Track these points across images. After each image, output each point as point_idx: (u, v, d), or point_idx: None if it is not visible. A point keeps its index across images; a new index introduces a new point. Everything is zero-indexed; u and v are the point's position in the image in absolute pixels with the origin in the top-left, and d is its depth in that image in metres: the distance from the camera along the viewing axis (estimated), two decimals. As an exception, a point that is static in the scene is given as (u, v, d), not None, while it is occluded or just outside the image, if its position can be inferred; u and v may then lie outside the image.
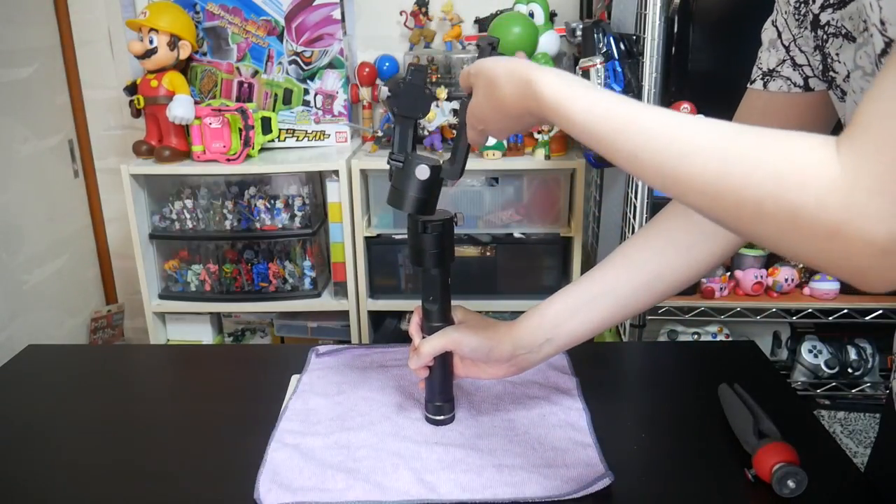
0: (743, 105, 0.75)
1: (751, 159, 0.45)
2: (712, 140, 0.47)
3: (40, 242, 2.02)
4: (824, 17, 0.62)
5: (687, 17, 1.63)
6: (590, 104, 0.54)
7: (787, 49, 0.68)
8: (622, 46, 1.49)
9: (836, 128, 0.71)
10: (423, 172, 0.72)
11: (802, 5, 0.64)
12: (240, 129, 1.81)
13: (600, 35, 1.49)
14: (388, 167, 0.76)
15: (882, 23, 0.48)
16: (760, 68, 0.71)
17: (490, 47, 0.71)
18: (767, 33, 0.71)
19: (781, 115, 0.71)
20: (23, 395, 0.92)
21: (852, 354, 1.70)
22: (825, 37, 0.62)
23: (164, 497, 0.71)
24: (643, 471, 0.73)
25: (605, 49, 1.48)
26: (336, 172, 1.80)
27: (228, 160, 1.81)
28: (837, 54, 0.61)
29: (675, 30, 1.63)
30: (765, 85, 0.71)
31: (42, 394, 0.92)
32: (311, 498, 0.69)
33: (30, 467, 0.76)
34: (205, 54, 1.92)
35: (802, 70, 0.68)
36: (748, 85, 0.73)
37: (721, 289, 1.60)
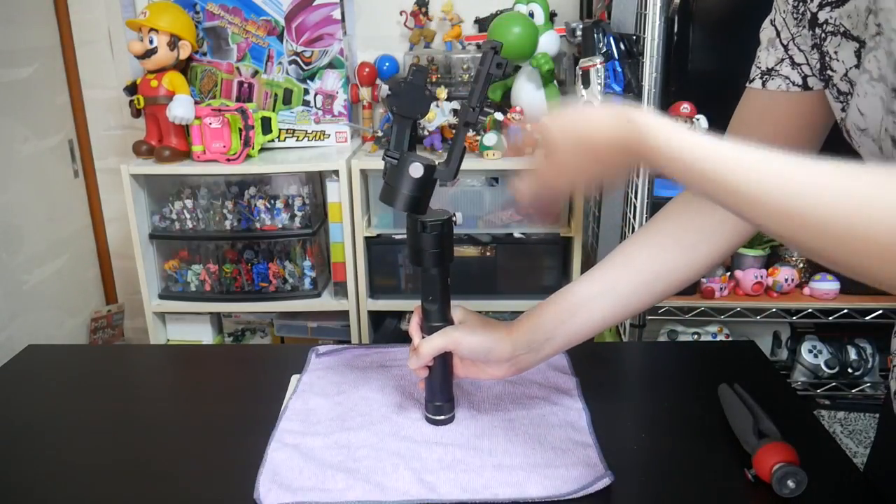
0: (742, 105, 0.75)
1: (879, 201, 0.43)
2: (836, 181, 0.46)
3: (40, 242, 2.02)
4: (822, 16, 0.62)
5: (687, 17, 1.63)
6: (698, 143, 0.52)
7: (786, 48, 0.68)
8: (622, 46, 1.49)
9: (836, 129, 0.71)
10: (416, 170, 0.73)
11: (801, 4, 0.64)
12: (240, 129, 1.81)
13: (600, 35, 1.49)
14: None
15: None
16: (759, 67, 0.71)
17: (493, 51, 0.71)
18: (766, 32, 0.71)
19: (780, 115, 0.71)
20: (23, 395, 0.92)
21: (852, 354, 1.70)
22: (823, 35, 0.62)
23: (164, 497, 0.71)
24: (643, 471, 0.73)
25: (605, 49, 1.48)
26: (336, 172, 1.80)
27: (228, 160, 1.81)
28: (836, 52, 0.61)
29: (675, 30, 1.63)
30: (763, 84, 0.71)
31: (42, 394, 0.92)
32: (311, 498, 0.69)
33: (30, 467, 0.76)
34: (205, 54, 1.92)
35: (801, 69, 0.68)
36: (747, 84, 0.73)
37: (721, 289, 1.60)
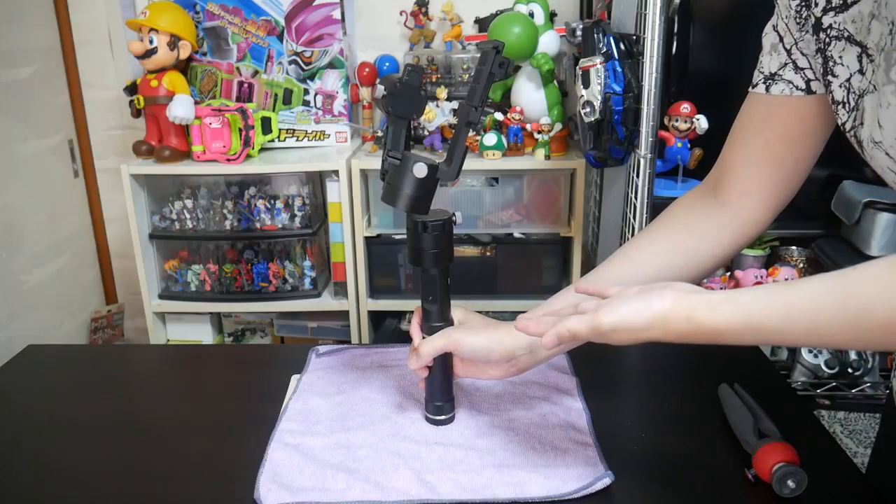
0: (744, 110, 0.74)
1: None
2: (884, 278, 0.49)
3: (40, 242, 2.02)
4: (826, 20, 0.62)
5: (687, 17, 1.62)
6: (738, 313, 0.56)
7: (789, 52, 0.68)
8: (622, 46, 1.49)
9: (835, 133, 0.71)
10: (420, 170, 0.73)
11: (804, 9, 0.64)
12: (240, 129, 1.81)
13: (600, 35, 1.49)
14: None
15: None
16: (762, 72, 0.71)
17: (494, 51, 0.71)
18: (769, 37, 0.71)
19: (784, 120, 0.71)
20: (23, 395, 0.92)
21: (852, 354, 1.70)
22: (827, 39, 0.62)
23: (165, 497, 0.71)
24: (643, 471, 0.73)
25: (605, 49, 1.48)
26: (336, 172, 1.80)
27: (228, 160, 1.81)
28: (840, 57, 0.61)
29: (675, 30, 1.63)
30: (767, 88, 0.71)
31: (42, 394, 0.92)
32: (311, 498, 0.69)
33: (30, 467, 0.76)
34: (205, 54, 1.92)
35: (804, 73, 0.68)
36: (749, 89, 0.73)
37: (721, 289, 1.60)
